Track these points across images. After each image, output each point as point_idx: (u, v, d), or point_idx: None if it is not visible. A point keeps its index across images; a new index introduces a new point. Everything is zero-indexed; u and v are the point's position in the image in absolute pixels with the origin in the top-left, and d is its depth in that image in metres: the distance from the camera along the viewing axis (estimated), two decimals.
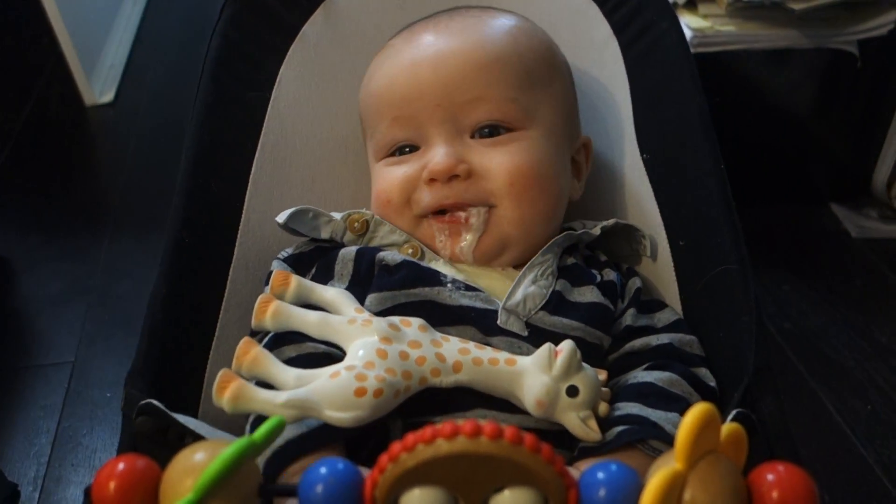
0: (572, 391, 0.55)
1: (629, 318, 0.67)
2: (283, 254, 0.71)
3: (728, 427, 0.42)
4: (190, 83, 0.77)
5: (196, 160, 0.72)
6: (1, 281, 1.41)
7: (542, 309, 0.64)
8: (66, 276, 1.40)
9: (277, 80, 0.80)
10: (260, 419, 0.53)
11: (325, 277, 0.67)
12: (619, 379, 0.64)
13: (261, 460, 0.54)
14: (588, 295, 0.66)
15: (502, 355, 0.57)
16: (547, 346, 0.56)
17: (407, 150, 0.70)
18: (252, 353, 0.55)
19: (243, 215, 0.74)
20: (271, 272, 0.68)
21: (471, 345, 0.57)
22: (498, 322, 0.62)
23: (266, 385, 0.54)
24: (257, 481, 0.43)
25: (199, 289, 0.68)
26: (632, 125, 0.79)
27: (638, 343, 0.65)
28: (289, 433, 0.54)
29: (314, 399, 0.51)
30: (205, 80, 0.76)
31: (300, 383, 0.53)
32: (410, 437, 0.40)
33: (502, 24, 0.73)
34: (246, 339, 0.56)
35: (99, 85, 1.91)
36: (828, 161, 1.46)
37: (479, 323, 0.62)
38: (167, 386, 0.60)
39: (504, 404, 0.57)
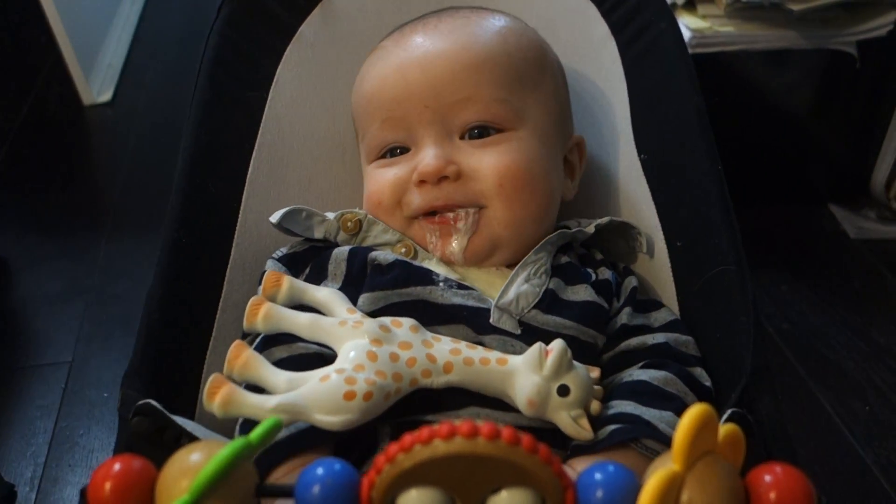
0: (563, 390, 0.55)
1: (625, 316, 0.67)
2: (278, 253, 0.71)
3: (725, 428, 0.42)
4: (188, 83, 0.77)
5: (193, 160, 0.72)
6: None
7: (535, 307, 0.64)
8: (64, 276, 1.40)
9: (275, 80, 0.80)
10: (249, 422, 0.53)
11: (318, 277, 0.67)
12: (614, 377, 0.64)
13: None
14: (582, 293, 0.66)
15: (493, 355, 0.57)
16: (538, 345, 0.56)
17: (398, 151, 0.70)
18: (243, 357, 0.55)
19: (240, 215, 0.74)
20: (265, 272, 0.68)
21: (462, 345, 0.57)
22: (490, 320, 0.62)
23: (258, 388, 0.54)
24: (253, 482, 0.43)
25: (196, 289, 0.68)
26: (629, 125, 0.79)
27: (633, 342, 0.65)
28: (277, 434, 0.54)
29: (304, 403, 0.51)
30: (202, 79, 0.76)
31: (291, 386, 0.53)
32: (407, 438, 0.40)
33: (491, 24, 0.73)
34: (237, 342, 0.56)
35: (97, 84, 1.91)
36: (826, 162, 1.46)
37: (472, 321, 0.62)
38: (164, 387, 0.59)
39: (497, 402, 0.57)
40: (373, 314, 0.60)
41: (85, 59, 1.86)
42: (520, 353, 0.57)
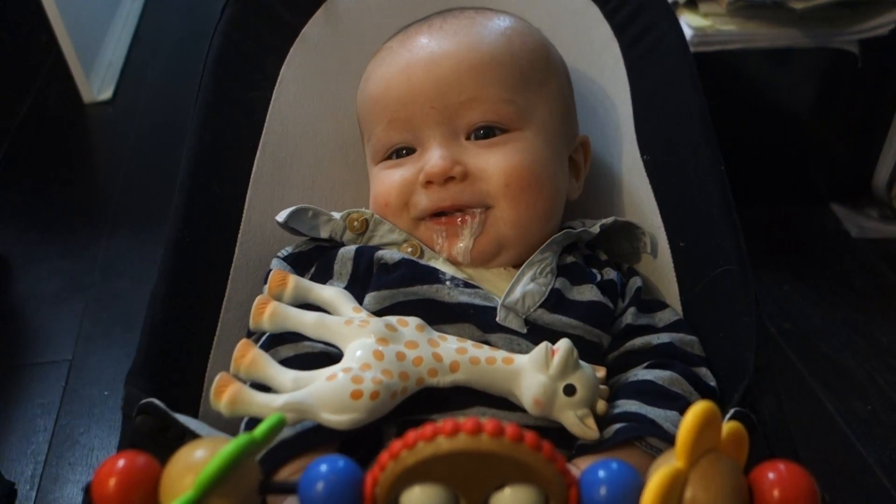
0: (569, 390, 0.55)
1: (629, 316, 0.67)
2: (283, 252, 0.71)
3: (729, 426, 0.42)
4: (189, 81, 0.77)
5: (197, 160, 0.72)
6: None
7: (540, 306, 0.64)
8: (64, 274, 1.40)
9: (278, 80, 0.80)
10: (254, 421, 0.53)
11: (324, 276, 0.67)
12: (619, 377, 0.64)
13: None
14: (587, 293, 0.66)
15: (500, 354, 0.57)
16: (544, 345, 0.56)
17: (404, 152, 0.70)
18: (250, 356, 0.55)
19: (244, 215, 0.74)
20: (270, 271, 0.68)
21: (468, 344, 0.57)
22: (497, 319, 0.62)
23: (264, 387, 0.54)
24: (257, 479, 0.43)
25: (199, 288, 0.68)
26: (632, 126, 0.79)
27: (638, 342, 0.65)
28: (282, 433, 0.54)
29: (311, 402, 0.51)
30: (206, 79, 0.76)
31: (297, 385, 0.53)
32: (411, 435, 0.40)
33: (496, 24, 0.73)
34: (243, 341, 0.56)
35: (97, 82, 1.91)
36: (828, 161, 1.46)
37: (478, 320, 0.62)
38: (167, 386, 0.59)
39: (503, 402, 0.57)
40: (379, 313, 0.60)
41: (85, 58, 1.86)
42: (526, 352, 0.57)
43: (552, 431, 0.56)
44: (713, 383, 0.63)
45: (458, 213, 0.67)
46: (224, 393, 0.52)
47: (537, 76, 0.71)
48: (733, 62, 1.28)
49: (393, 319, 0.58)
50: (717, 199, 0.68)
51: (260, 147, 0.77)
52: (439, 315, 0.61)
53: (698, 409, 0.40)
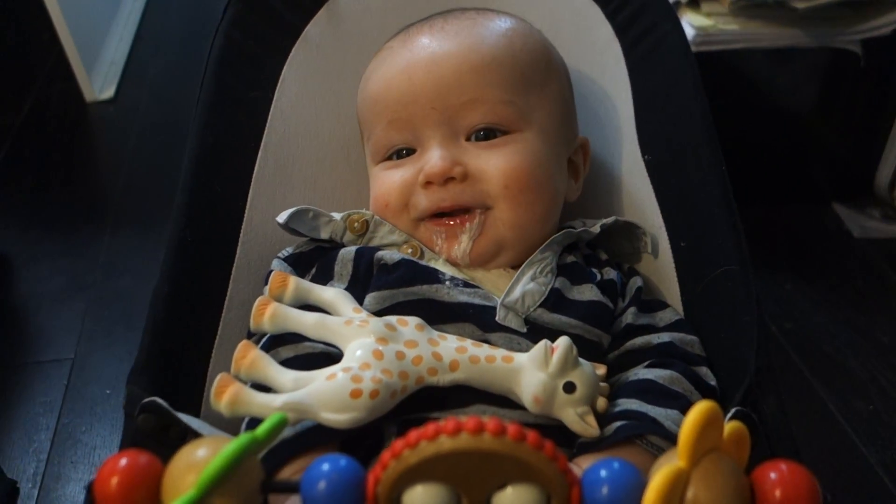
0: (569, 387, 0.55)
1: (630, 316, 0.67)
2: (284, 253, 0.71)
3: (731, 425, 0.42)
4: (190, 80, 0.77)
5: (199, 160, 0.72)
6: (1, 277, 1.41)
7: (540, 306, 0.64)
8: (66, 273, 1.40)
9: (280, 80, 0.80)
10: (255, 421, 0.53)
11: (325, 277, 0.67)
12: (620, 376, 0.64)
13: None
14: (587, 293, 0.66)
15: (499, 352, 0.57)
16: (543, 342, 0.56)
17: (404, 153, 0.70)
18: (250, 357, 0.55)
19: (246, 215, 0.74)
20: (271, 271, 0.68)
21: (468, 343, 0.58)
22: (496, 318, 0.63)
23: (265, 388, 0.54)
24: (259, 478, 0.43)
25: (201, 288, 0.68)
26: (633, 126, 0.79)
27: (639, 341, 0.65)
28: (283, 433, 0.54)
29: (310, 402, 0.52)
30: (207, 79, 0.76)
31: (297, 385, 0.53)
32: (413, 434, 0.40)
33: (497, 25, 0.73)
34: (244, 342, 0.56)
35: (99, 81, 1.91)
36: (830, 161, 1.46)
37: (478, 319, 0.62)
38: (169, 385, 0.60)
39: (503, 400, 0.57)
40: (379, 313, 0.60)
41: (87, 56, 1.86)
42: (526, 351, 0.57)
43: (553, 429, 0.56)
44: (713, 382, 0.63)
45: (457, 214, 0.67)
46: (224, 393, 0.52)
47: (538, 78, 0.71)
48: (735, 62, 1.28)
49: (393, 319, 0.58)
50: (718, 199, 0.68)
51: (262, 147, 0.77)
52: (439, 315, 0.61)
53: (700, 408, 0.40)
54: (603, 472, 0.41)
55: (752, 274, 0.64)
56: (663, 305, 0.70)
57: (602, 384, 0.59)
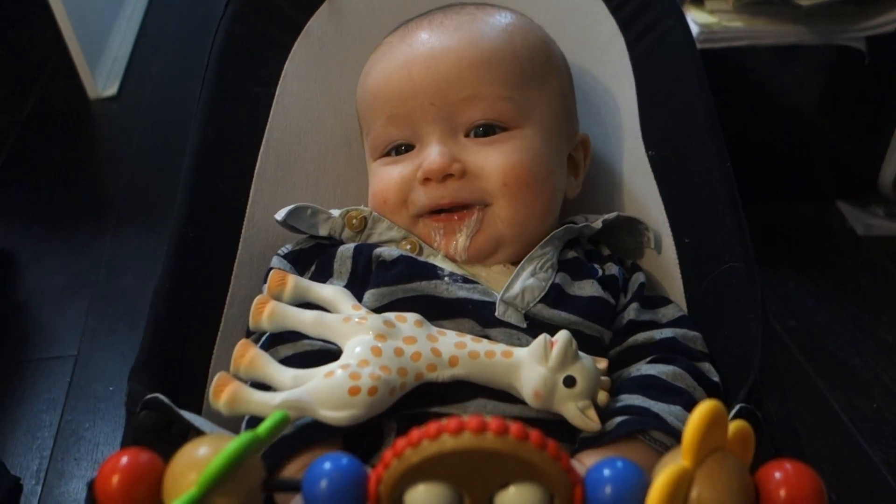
0: (569, 381, 0.55)
1: (632, 312, 0.67)
2: (283, 250, 0.71)
3: (735, 425, 0.42)
4: (193, 77, 0.77)
5: (200, 156, 0.72)
6: (4, 274, 1.41)
7: (540, 301, 0.64)
8: (69, 270, 1.40)
9: (282, 75, 0.80)
10: (254, 419, 0.53)
11: (324, 274, 0.67)
12: (622, 372, 0.63)
13: None
14: (588, 289, 0.66)
15: (499, 347, 0.57)
16: (543, 336, 0.56)
17: (402, 148, 0.70)
18: (249, 355, 0.55)
19: (247, 211, 0.74)
20: (270, 269, 0.68)
21: (467, 338, 0.57)
22: (496, 314, 0.62)
23: (265, 386, 0.54)
24: (260, 476, 0.43)
25: (203, 284, 0.68)
26: (637, 122, 0.78)
27: (641, 337, 0.65)
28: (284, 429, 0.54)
29: (309, 399, 0.51)
30: (209, 75, 0.76)
31: (296, 383, 0.53)
32: (415, 433, 0.40)
33: (497, 21, 0.72)
34: (243, 340, 0.56)
35: (102, 78, 1.91)
36: (834, 158, 1.45)
37: (477, 315, 0.62)
38: (171, 381, 0.60)
39: (504, 394, 0.57)
40: (378, 310, 0.60)
41: (90, 53, 1.86)
42: (526, 346, 0.57)
43: (554, 424, 0.56)
44: (716, 379, 0.63)
45: (456, 210, 0.67)
46: (223, 392, 0.52)
47: (538, 74, 0.71)
48: (739, 59, 1.28)
49: (391, 316, 0.58)
50: (723, 196, 0.68)
51: (263, 142, 0.77)
52: (438, 311, 0.61)
53: (705, 407, 0.39)
54: (606, 472, 0.41)
55: (757, 271, 0.63)
56: (666, 301, 0.70)
57: (603, 378, 0.59)
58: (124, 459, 0.42)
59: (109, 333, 1.28)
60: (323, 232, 0.70)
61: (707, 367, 0.64)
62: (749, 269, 0.63)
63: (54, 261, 1.43)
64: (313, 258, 0.69)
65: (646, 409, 0.58)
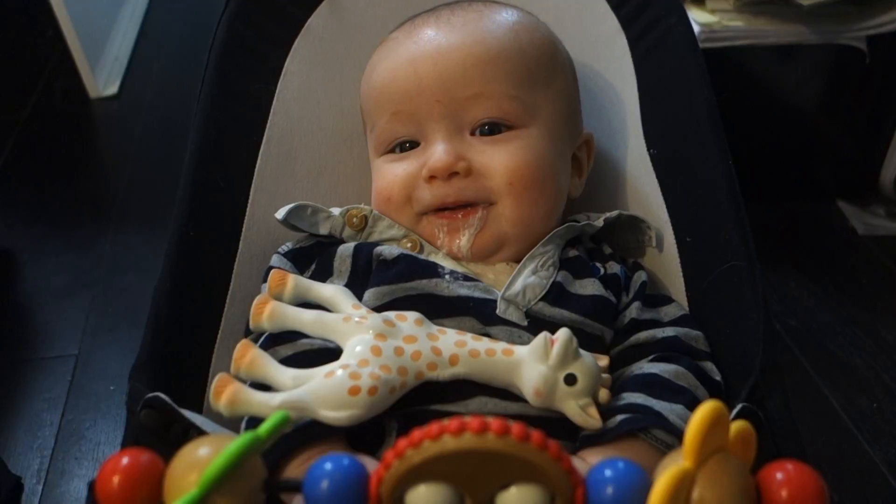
0: (570, 379, 0.54)
1: (634, 311, 0.67)
2: (284, 248, 0.71)
3: (737, 425, 0.42)
4: (194, 76, 0.77)
5: (201, 153, 0.72)
6: (5, 273, 1.41)
7: (541, 300, 0.64)
8: (70, 269, 1.40)
9: (283, 72, 0.80)
10: (254, 420, 0.53)
11: (325, 274, 0.67)
12: (624, 371, 0.63)
13: None
14: (589, 287, 0.66)
15: (499, 346, 0.57)
16: (543, 335, 0.56)
17: (407, 145, 0.70)
18: (249, 356, 0.55)
19: (248, 209, 0.74)
20: (270, 267, 0.68)
21: (468, 337, 0.57)
22: (497, 312, 0.62)
23: (266, 387, 0.54)
24: (261, 477, 0.43)
25: (204, 282, 0.68)
26: (638, 120, 0.78)
27: (643, 336, 0.65)
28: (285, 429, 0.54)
29: (309, 399, 0.51)
30: (210, 72, 0.76)
31: (296, 384, 0.53)
32: (416, 433, 0.40)
33: (504, 19, 0.72)
34: (244, 341, 0.56)
35: (103, 77, 1.91)
36: (835, 158, 1.45)
37: (478, 313, 0.62)
38: (171, 380, 0.59)
39: (505, 392, 0.57)
40: (379, 309, 0.60)
41: (91, 52, 1.86)
42: (527, 344, 0.57)
43: (555, 422, 0.56)
44: (718, 378, 0.63)
45: (460, 208, 0.67)
46: (223, 393, 0.52)
47: (544, 73, 0.71)
48: (740, 58, 1.28)
49: (391, 315, 0.58)
50: (725, 195, 0.68)
51: (264, 140, 0.77)
52: (439, 309, 0.61)
53: (706, 408, 0.39)
54: (608, 472, 0.41)
55: (759, 270, 0.63)
56: (668, 300, 0.70)
57: (604, 375, 0.59)
58: (125, 460, 0.42)
59: (110, 332, 1.28)
60: (323, 230, 0.70)
61: (709, 366, 0.63)
62: (751, 268, 0.63)
63: (55, 260, 1.42)
64: (314, 257, 0.69)
65: (647, 408, 0.57)
